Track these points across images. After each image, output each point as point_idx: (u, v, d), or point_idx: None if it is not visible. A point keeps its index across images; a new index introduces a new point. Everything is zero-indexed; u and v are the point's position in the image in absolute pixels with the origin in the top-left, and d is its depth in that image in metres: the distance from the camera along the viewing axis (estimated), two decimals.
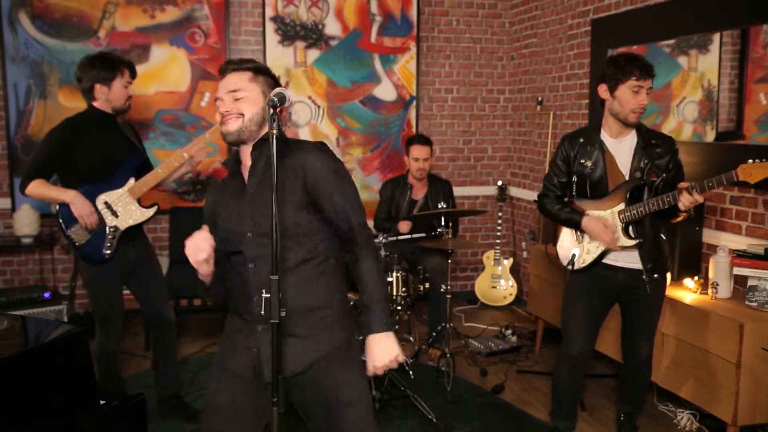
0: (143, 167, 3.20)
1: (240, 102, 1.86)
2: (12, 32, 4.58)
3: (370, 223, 4.61)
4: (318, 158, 1.85)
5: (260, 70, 1.92)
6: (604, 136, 2.84)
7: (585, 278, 2.92)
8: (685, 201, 2.56)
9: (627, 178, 2.78)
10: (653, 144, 2.78)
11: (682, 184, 2.59)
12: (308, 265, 1.85)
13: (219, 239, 1.90)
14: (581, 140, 2.87)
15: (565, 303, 3.00)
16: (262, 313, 1.69)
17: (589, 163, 2.83)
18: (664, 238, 2.88)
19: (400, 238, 4.19)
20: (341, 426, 1.86)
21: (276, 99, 1.66)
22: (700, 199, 2.55)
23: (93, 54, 3.11)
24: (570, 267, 2.95)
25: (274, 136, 1.64)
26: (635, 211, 2.72)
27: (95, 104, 3.07)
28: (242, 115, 1.85)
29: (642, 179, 2.76)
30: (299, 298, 1.85)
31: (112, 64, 3.03)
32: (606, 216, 2.82)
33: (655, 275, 2.81)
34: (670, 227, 3.08)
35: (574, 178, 2.88)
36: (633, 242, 2.78)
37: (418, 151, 4.40)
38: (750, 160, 2.48)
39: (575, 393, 3.07)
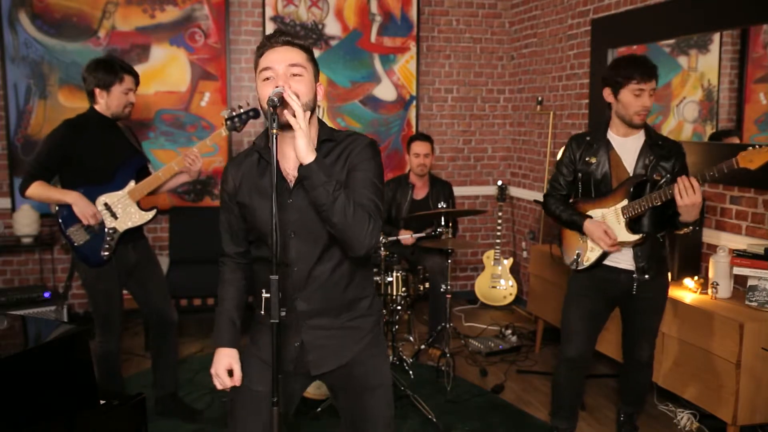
0: (144, 171, 3.21)
1: (297, 80, 1.74)
2: (12, 32, 4.58)
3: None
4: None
5: (314, 56, 1.83)
6: (611, 135, 2.84)
7: (586, 280, 2.92)
8: (680, 183, 2.53)
9: (631, 175, 2.79)
10: (660, 145, 2.78)
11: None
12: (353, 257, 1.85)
13: (253, 236, 1.90)
14: (588, 139, 2.88)
15: (565, 304, 2.99)
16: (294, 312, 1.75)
17: (593, 160, 2.83)
18: (662, 240, 2.88)
19: (400, 238, 4.19)
20: (365, 409, 1.93)
21: (276, 99, 1.64)
22: (696, 185, 2.51)
23: (100, 57, 3.14)
24: (574, 266, 2.94)
25: (275, 136, 1.64)
26: (638, 206, 2.72)
27: (96, 107, 3.07)
28: (297, 96, 1.69)
29: (645, 175, 2.76)
30: (346, 291, 1.88)
31: (112, 70, 3.03)
32: (609, 213, 2.81)
33: (647, 276, 2.81)
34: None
35: (579, 176, 2.88)
36: (636, 237, 2.77)
37: (419, 146, 4.42)
38: (750, 147, 2.48)
39: (575, 394, 3.06)
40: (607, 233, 2.76)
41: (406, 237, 4.17)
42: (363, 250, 1.73)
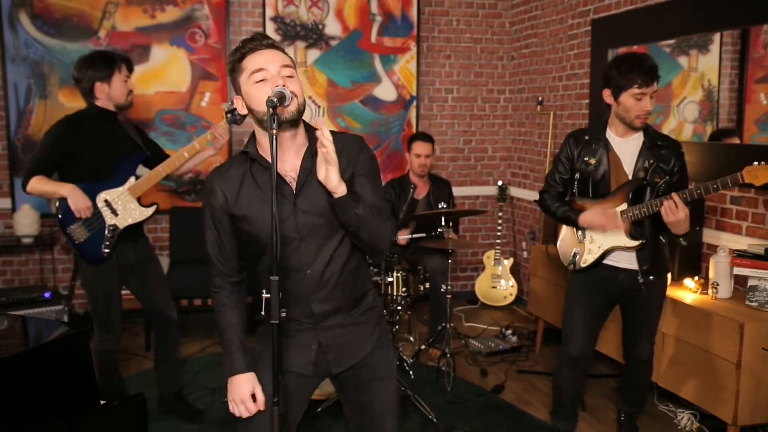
0: (146, 163, 3.20)
1: (291, 81, 1.73)
2: (12, 32, 4.58)
3: None
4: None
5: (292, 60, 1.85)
6: (610, 134, 2.83)
7: (586, 279, 2.92)
8: (666, 204, 2.56)
9: (630, 177, 2.78)
10: (659, 145, 2.76)
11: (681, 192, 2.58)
12: (356, 252, 1.88)
13: (257, 248, 1.84)
14: (586, 138, 2.86)
15: (566, 303, 3.00)
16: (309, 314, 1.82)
17: (593, 161, 2.82)
18: (663, 240, 2.87)
19: (399, 239, 4.19)
20: (374, 399, 1.95)
21: (275, 99, 1.63)
22: (680, 204, 2.53)
23: (88, 54, 3.10)
24: (571, 267, 2.94)
25: (275, 137, 1.63)
26: (638, 212, 2.71)
27: (97, 103, 3.07)
28: (295, 95, 1.71)
29: (645, 179, 2.75)
30: (356, 286, 1.91)
31: (109, 61, 3.03)
32: None
33: (651, 277, 2.80)
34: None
35: (577, 176, 2.87)
36: (636, 243, 2.77)
37: (420, 147, 4.42)
38: (756, 162, 2.45)
39: (576, 394, 3.07)
40: (604, 212, 2.74)
41: (403, 237, 4.17)
42: (386, 252, 1.84)
